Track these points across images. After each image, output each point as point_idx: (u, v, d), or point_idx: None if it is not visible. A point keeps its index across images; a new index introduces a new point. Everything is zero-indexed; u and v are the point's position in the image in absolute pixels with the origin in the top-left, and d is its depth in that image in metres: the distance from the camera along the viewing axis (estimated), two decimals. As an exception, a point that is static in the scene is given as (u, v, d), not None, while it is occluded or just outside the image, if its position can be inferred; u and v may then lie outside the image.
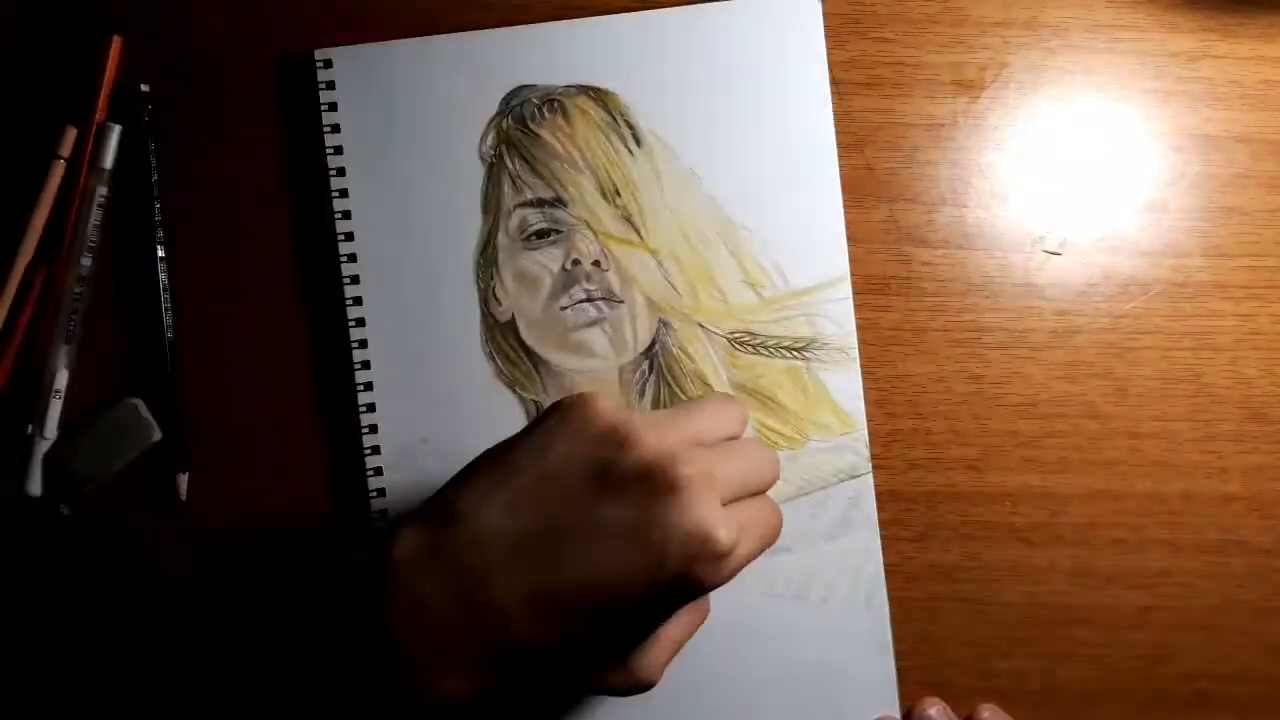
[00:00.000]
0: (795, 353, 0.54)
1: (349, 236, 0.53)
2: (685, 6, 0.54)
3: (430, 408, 0.53)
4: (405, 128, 0.54)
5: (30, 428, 0.53)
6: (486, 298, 0.54)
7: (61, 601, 0.53)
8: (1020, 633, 0.54)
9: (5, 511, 0.53)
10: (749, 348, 0.54)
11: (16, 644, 0.53)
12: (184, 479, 0.53)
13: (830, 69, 0.54)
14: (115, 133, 0.54)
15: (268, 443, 0.54)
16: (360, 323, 0.53)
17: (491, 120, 0.54)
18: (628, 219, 0.54)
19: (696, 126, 0.54)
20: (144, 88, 0.54)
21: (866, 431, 0.53)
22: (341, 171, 0.53)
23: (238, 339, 0.54)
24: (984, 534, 0.54)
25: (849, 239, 0.54)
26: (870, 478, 0.53)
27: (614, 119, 0.54)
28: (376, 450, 0.53)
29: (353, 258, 0.53)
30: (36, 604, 0.53)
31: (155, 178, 0.54)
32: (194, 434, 0.54)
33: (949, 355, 0.54)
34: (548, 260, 0.54)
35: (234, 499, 0.54)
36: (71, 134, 0.53)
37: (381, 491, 0.53)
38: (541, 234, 0.54)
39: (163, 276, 0.54)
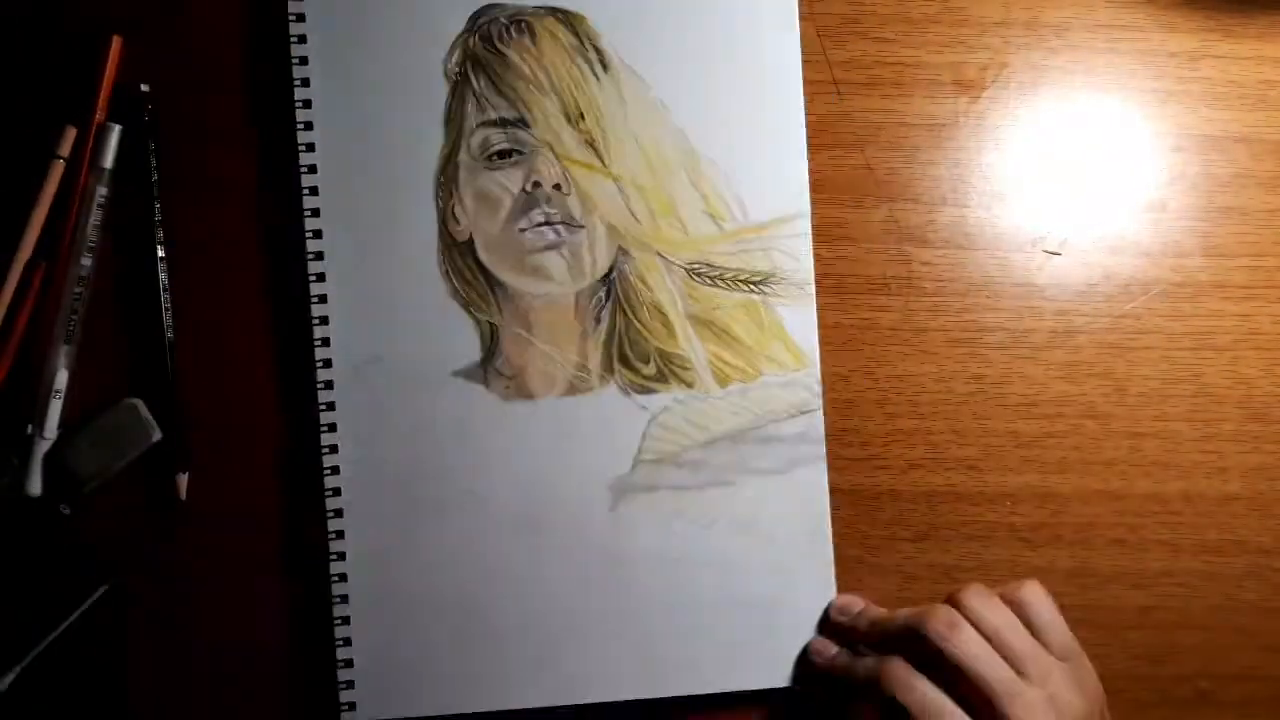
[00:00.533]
0: (752, 286, 0.54)
1: (310, 147, 0.53)
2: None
3: (384, 325, 0.53)
4: (372, 39, 0.53)
5: (30, 428, 0.53)
6: (445, 216, 0.54)
7: (61, 601, 0.53)
8: (1020, 633, 0.54)
9: (5, 511, 0.53)
10: (707, 279, 0.54)
11: (16, 644, 0.53)
12: (184, 479, 0.53)
13: (830, 69, 0.54)
14: (115, 133, 0.53)
15: (268, 443, 0.54)
16: (317, 234, 0.53)
17: (458, 37, 0.54)
18: (590, 144, 0.54)
19: (666, 56, 0.54)
20: (144, 88, 0.54)
21: (819, 368, 0.54)
22: (306, 82, 0.53)
23: (238, 339, 0.54)
24: (984, 534, 0.54)
25: (849, 239, 0.54)
26: (820, 414, 0.53)
27: (581, 43, 0.54)
28: (328, 364, 0.53)
29: (313, 169, 0.53)
30: (36, 604, 0.53)
31: (155, 178, 0.54)
32: (194, 434, 0.54)
33: (949, 355, 0.54)
34: (508, 181, 0.54)
35: (234, 499, 0.54)
36: (71, 134, 0.53)
37: (331, 405, 0.53)
38: (503, 154, 0.54)
39: (163, 276, 0.54)
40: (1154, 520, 0.54)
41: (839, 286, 0.54)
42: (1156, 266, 0.55)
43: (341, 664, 0.52)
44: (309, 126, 0.53)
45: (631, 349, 0.54)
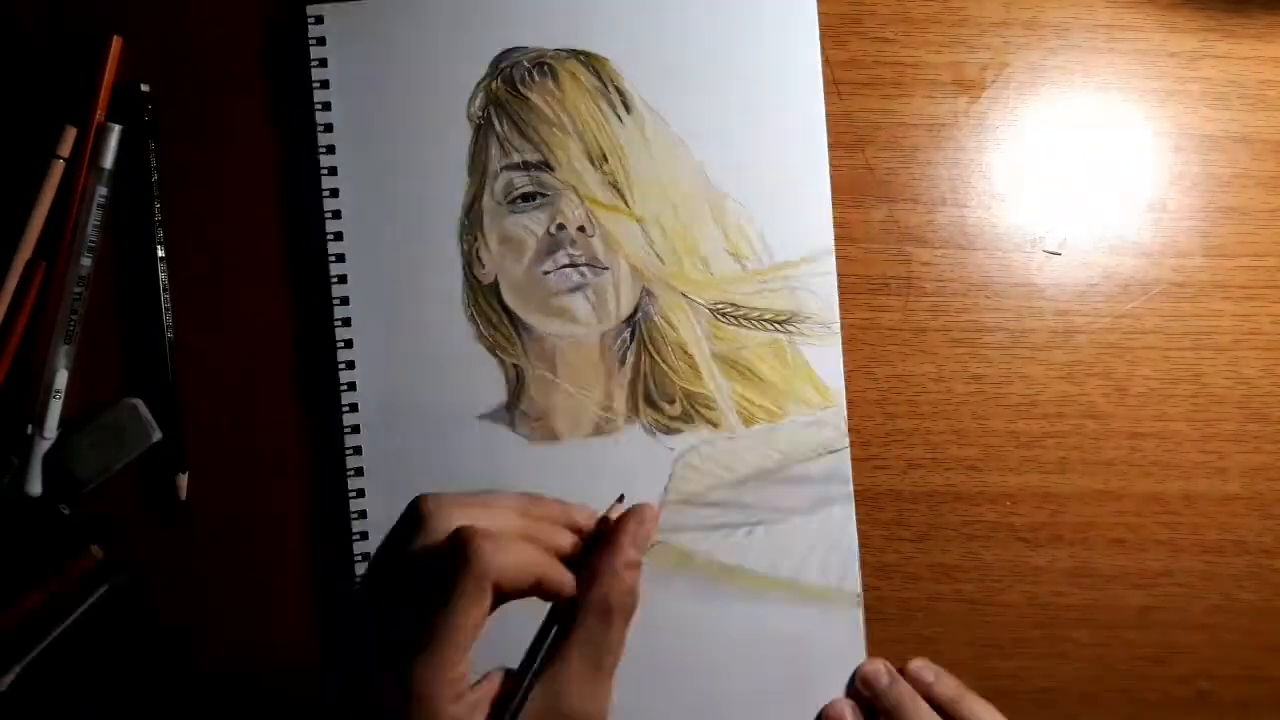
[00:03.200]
0: (777, 325, 0.54)
1: (334, 193, 0.53)
2: (679, -27, 0.54)
3: (410, 368, 0.53)
4: (395, 85, 0.53)
5: (30, 428, 0.53)
6: (470, 260, 0.54)
7: (62, 602, 0.53)
8: (1020, 633, 0.54)
9: (5, 511, 0.53)
10: (731, 319, 0.54)
11: (16, 644, 0.53)
12: (184, 479, 0.53)
13: (830, 69, 0.54)
14: (115, 133, 0.54)
15: (267, 443, 0.54)
16: (343, 279, 0.53)
17: (481, 82, 0.54)
18: (614, 185, 0.54)
19: (687, 94, 0.54)
20: (144, 88, 0.54)
21: (845, 407, 0.54)
22: (329, 128, 0.53)
23: (237, 339, 0.54)
24: (984, 534, 0.54)
25: (849, 239, 0.54)
26: (848, 453, 0.53)
27: (604, 84, 0.54)
28: (355, 408, 0.53)
29: (337, 214, 0.53)
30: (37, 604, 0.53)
31: (155, 178, 0.54)
32: (194, 434, 0.54)
33: (949, 355, 0.54)
34: (532, 223, 0.54)
35: (234, 499, 0.54)
36: (71, 134, 0.53)
37: (358, 450, 0.53)
38: (527, 197, 0.54)
39: (163, 276, 0.54)
40: (1154, 520, 0.54)
41: (839, 286, 0.54)
42: (1156, 266, 0.55)
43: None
44: (333, 172, 0.53)
45: (657, 389, 0.54)
